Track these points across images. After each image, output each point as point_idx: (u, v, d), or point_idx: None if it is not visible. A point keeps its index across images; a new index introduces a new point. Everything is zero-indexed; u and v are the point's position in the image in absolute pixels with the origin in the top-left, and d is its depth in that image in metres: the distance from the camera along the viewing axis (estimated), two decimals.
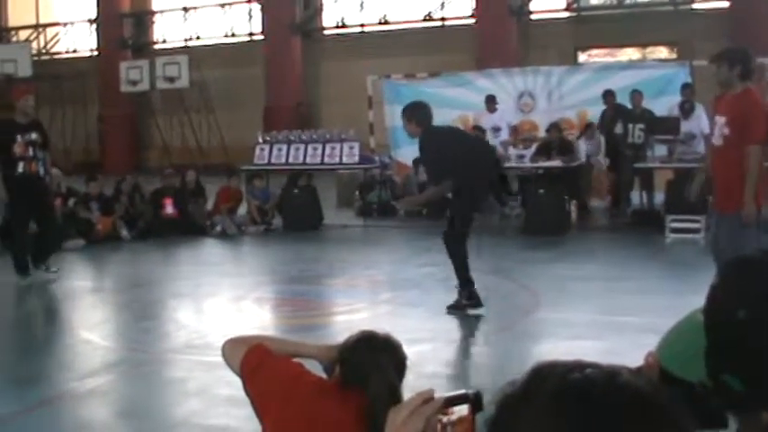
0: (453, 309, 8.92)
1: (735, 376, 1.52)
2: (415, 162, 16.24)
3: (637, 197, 15.59)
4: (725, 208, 7.38)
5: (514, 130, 17.35)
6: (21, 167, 11.01)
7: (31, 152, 11.08)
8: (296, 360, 3.12)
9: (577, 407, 1.05)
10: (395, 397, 2.72)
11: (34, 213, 11.35)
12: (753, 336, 1.50)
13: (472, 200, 8.99)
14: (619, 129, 15.48)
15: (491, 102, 17.16)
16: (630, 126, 15.27)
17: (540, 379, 1.10)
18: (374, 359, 2.86)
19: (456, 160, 8.63)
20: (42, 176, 11.34)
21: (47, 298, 11.07)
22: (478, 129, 16.22)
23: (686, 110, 14.76)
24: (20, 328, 9.80)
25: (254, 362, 3.04)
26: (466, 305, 8.87)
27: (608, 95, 16.07)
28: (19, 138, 11.01)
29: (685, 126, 14.52)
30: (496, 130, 16.97)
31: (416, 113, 8.85)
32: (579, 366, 1.10)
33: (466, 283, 8.88)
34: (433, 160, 8.90)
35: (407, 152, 16.72)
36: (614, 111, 15.81)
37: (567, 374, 1.09)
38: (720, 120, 7.48)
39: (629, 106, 15.54)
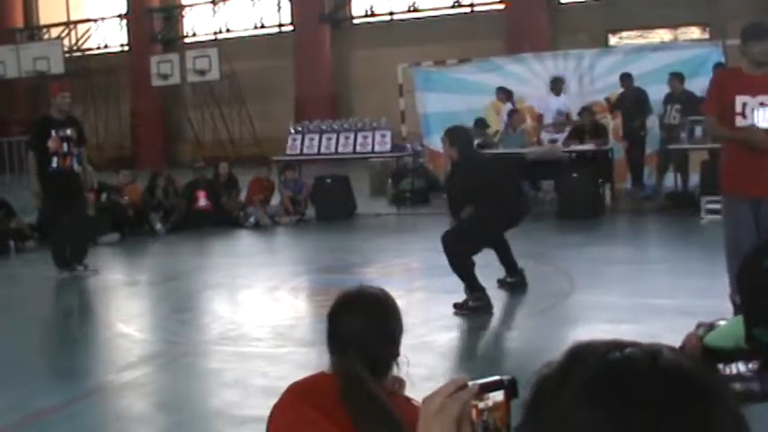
0: (460, 308, 8.37)
1: (764, 328, 1.53)
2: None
3: (671, 179, 15.43)
4: None
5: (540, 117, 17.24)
6: (54, 163, 11.14)
7: (65, 148, 11.20)
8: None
9: (619, 388, 1.01)
10: (369, 368, 2.66)
11: (67, 209, 11.40)
12: None
13: (492, 222, 8.83)
14: (659, 110, 15.36)
15: (557, 83, 16.93)
16: (669, 107, 15.14)
17: (579, 360, 1.07)
18: (336, 346, 2.83)
19: (482, 191, 8.62)
20: (77, 172, 11.44)
21: (84, 291, 11.15)
22: (482, 123, 16.20)
23: None
24: (58, 322, 9.92)
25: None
26: (472, 307, 8.40)
27: (624, 78, 15.94)
28: (53, 133, 11.15)
29: None
30: (561, 114, 16.76)
31: (458, 139, 8.85)
32: (619, 345, 1.06)
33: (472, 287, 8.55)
34: (464, 188, 8.83)
35: (439, 140, 16.65)
36: (632, 94, 15.67)
37: (607, 354, 1.05)
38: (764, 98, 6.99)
39: (668, 89, 15.30)
